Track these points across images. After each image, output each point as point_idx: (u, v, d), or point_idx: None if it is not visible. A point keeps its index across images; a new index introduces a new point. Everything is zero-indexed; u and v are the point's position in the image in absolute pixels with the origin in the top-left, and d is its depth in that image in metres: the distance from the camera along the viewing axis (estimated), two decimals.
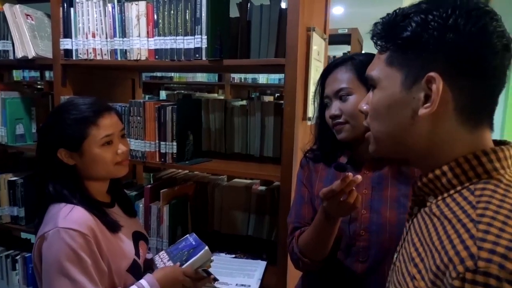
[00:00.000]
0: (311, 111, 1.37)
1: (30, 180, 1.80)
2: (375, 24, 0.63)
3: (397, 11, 0.60)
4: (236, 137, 1.64)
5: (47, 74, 4.19)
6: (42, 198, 1.01)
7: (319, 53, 1.44)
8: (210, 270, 1.13)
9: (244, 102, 1.69)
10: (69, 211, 0.94)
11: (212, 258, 1.13)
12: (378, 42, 0.63)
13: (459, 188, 0.57)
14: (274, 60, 1.26)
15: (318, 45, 1.41)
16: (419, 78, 0.56)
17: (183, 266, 1.07)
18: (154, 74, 3.96)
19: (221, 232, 1.71)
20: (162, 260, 1.15)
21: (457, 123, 0.57)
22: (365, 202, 0.97)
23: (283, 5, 1.32)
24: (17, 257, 1.83)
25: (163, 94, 3.41)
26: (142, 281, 1.01)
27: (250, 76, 3.72)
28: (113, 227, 1.01)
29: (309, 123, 1.37)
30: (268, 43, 1.34)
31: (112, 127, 1.02)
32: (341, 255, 0.99)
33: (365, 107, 0.68)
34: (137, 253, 1.08)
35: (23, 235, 2.18)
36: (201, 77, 3.91)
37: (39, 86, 4.10)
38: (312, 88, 1.35)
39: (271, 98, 3.39)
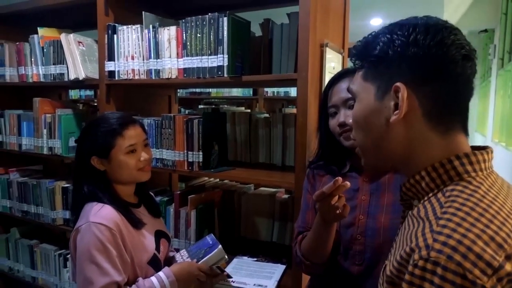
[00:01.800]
0: None
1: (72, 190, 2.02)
2: (354, 46, 0.72)
3: (372, 33, 0.68)
4: (260, 147, 1.75)
5: (99, 92, 4.60)
6: (78, 198, 1.18)
7: (335, 67, 1.52)
8: (227, 269, 1.23)
9: (267, 115, 1.80)
10: (99, 209, 1.10)
11: (226, 257, 1.23)
12: (355, 61, 0.71)
13: (435, 191, 0.62)
14: (288, 75, 1.36)
15: (333, 59, 1.48)
16: (388, 89, 0.63)
17: (200, 262, 1.19)
18: (193, 90, 4.21)
19: (247, 238, 1.80)
20: (182, 257, 1.28)
21: (427, 128, 0.62)
22: (363, 208, 1.02)
23: None
24: (68, 256, 2.04)
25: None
26: (160, 273, 1.14)
27: (282, 89, 3.84)
28: (137, 224, 1.16)
29: None
30: (288, 59, 1.43)
31: (135, 138, 1.17)
32: (340, 259, 1.04)
33: (350, 121, 0.75)
34: (157, 249, 1.22)
35: None
36: (236, 92, 4.10)
37: (94, 104, 4.50)
38: None
39: (294, 111, 3.47)
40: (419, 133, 0.62)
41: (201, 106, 3.09)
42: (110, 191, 1.17)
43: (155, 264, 1.19)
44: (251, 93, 3.98)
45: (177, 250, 1.41)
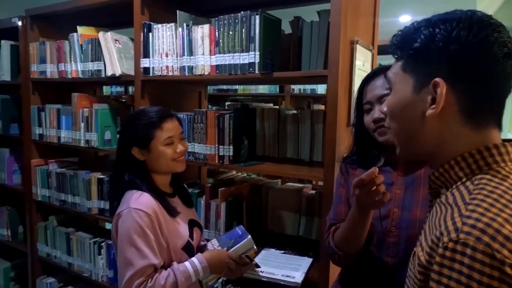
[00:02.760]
0: None
1: (112, 179, 2.11)
2: (393, 36, 0.72)
3: (413, 24, 0.69)
4: (288, 143, 1.78)
5: (130, 89, 4.74)
6: (119, 186, 1.26)
7: (365, 63, 1.53)
8: (257, 257, 1.28)
9: (295, 111, 1.83)
10: (139, 196, 1.18)
11: (255, 248, 1.28)
12: (395, 52, 0.72)
13: (464, 180, 0.64)
14: (318, 72, 1.38)
15: (363, 56, 1.50)
16: (427, 83, 0.64)
17: (230, 251, 1.25)
18: (221, 87, 4.29)
19: (274, 232, 1.84)
20: (213, 245, 1.34)
21: (462, 122, 0.63)
22: (397, 201, 1.04)
23: None
24: (102, 244, 2.14)
25: (227, 106, 3.68)
26: (193, 258, 1.22)
27: (308, 87, 3.85)
28: (172, 212, 1.24)
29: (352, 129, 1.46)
30: (318, 56, 1.46)
31: (173, 130, 1.25)
32: (373, 250, 1.06)
33: (385, 109, 0.77)
34: (191, 236, 1.29)
35: (107, 225, 2.54)
36: (263, 89, 4.14)
37: (123, 100, 4.65)
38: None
39: (322, 107, 3.47)
40: (453, 127, 0.64)
41: (228, 103, 3.15)
42: (149, 180, 1.25)
43: (189, 250, 1.26)
44: (278, 90, 4.02)
45: (207, 240, 1.47)
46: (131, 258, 1.11)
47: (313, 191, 1.79)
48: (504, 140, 0.65)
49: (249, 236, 1.28)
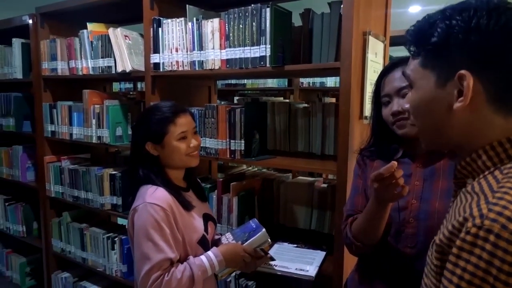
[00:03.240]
0: (368, 110, 1.45)
1: (127, 174, 2.13)
2: (407, 31, 0.70)
3: (426, 17, 0.67)
4: (299, 136, 1.77)
5: (139, 85, 4.76)
6: (134, 181, 1.27)
7: (377, 54, 1.51)
8: (270, 252, 1.28)
9: (307, 105, 1.82)
10: (154, 191, 1.19)
11: (269, 241, 1.28)
12: (411, 48, 0.70)
13: (492, 169, 0.62)
14: (330, 64, 1.37)
15: (375, 47, 1.48)
16: (451, 77, 0.62)
17: (244, 244, 1.25)
18: (229, 81, 4.28)
19: (286, 225, 1.84)
20: (228, 239, 1.34)
21: (491, 111, 0.62)
22: (416, 192, 1.03)
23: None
24: (115, 239, 2.16)
25: (236, 100, 3.68)
26: (209, 252, 1.22)
27: (318, 80, 3.82)
28: (187, 206, 1.24)
29: (365, 121, 1.44)
30: (329, 48, 1.44)
31: (186, 125, 1.25)
32: (392, 241, 1.06)
33: (406, 106, 0.76)
34: (206, 230, 1.30)
35: (120, 221, 2.57)
36: (271, 83, 4.12)
37: (131, 96, 4.68)
38: (369, 88, 1.42)
39: (333, 100, 3.45)
40: (483, 117, 0.62)
41: (237, 98, 3.15)
42: (163, 175, 1.25)
43: (204, 244, 1.26)
44: (286, 84, 4.00)
45: (221, 235, 1.48)
46: (148, 252, 1.12)
47: (325, 185, 1.78)
48: None
49: (264, 229, 1.28)
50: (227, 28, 1.58)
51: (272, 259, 1.33)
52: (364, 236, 1.06)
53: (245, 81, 4.24)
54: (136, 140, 1.28)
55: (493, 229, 0.51)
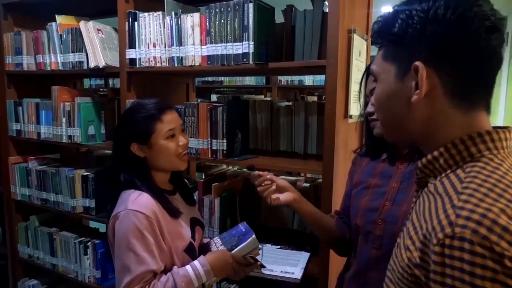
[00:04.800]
0: (353, 109, 1.43)
1: (99, 175, 2.03)
2: (374, 23, 0.68)
3: (393, 8, 0.64)
4: (281, 135, 1.74)
5: (110, 81, 4.59)
6: (115, 186, 1.18)
7: (361, 53, 1.50)
8: (258, 257, 1.23)
9: (289, 103, 1.79)
10: (137, 196, 1.10)
11: (260, 247, 1.23)
12: (375, 40, 0.68)
13: (454, 168, 0.60)
14: (316, 62, 1.34)
15: (359, 46, 1.47)
16: (408, 68, 0.60)
17: (233, 251, 1.19)
18: (206, 79, 4.19)
19: (268, 226, 1.81)
20: (216, 244, 1.28)
21: (449, 106, 0.60)
22: (391, 194, 1.02)
23: (326, 9, 1.40)
24: (88, 243, 2.05)
25: (214, 98, 3.61)
26: (195, 262, 1.14)
27: (296, 78, 3.81)
28: (174, 213, 1.16)
29: (350, 120, 1.43)
30: (312, 45, 1.42)
31: (174, 122, 1.17)
32: (361, 241, 1.06)
33: (373, 100, 0.74)
34: (193, 237, 1.22)
35: (92, 224, 2.45)
36: (249, 80, 4.07)
37: (102, 93, 4.51)
38: (353, 87, 1.41)
39: (315, 99, 3.45)
40: (441, 111, 0.61)
41: (216, 96, 3.07)
42: (148, 179, 1.17)
43: (191, 252, 1.19)
44: (264, 81, 3.96)
45: (209, 238, 1.42)
46: (129, 264, 1.05)
47: (307, 184, 1.76)
48: (498, 128, 0.62)
49: (254, 236, 1.22)
50: (208, 24, 1.52)
51: (263, 266, 1.27)
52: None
53: (223, 78, 4.17)
54: (119, 142, 1.19)
55: (465, 235, 0.49)
